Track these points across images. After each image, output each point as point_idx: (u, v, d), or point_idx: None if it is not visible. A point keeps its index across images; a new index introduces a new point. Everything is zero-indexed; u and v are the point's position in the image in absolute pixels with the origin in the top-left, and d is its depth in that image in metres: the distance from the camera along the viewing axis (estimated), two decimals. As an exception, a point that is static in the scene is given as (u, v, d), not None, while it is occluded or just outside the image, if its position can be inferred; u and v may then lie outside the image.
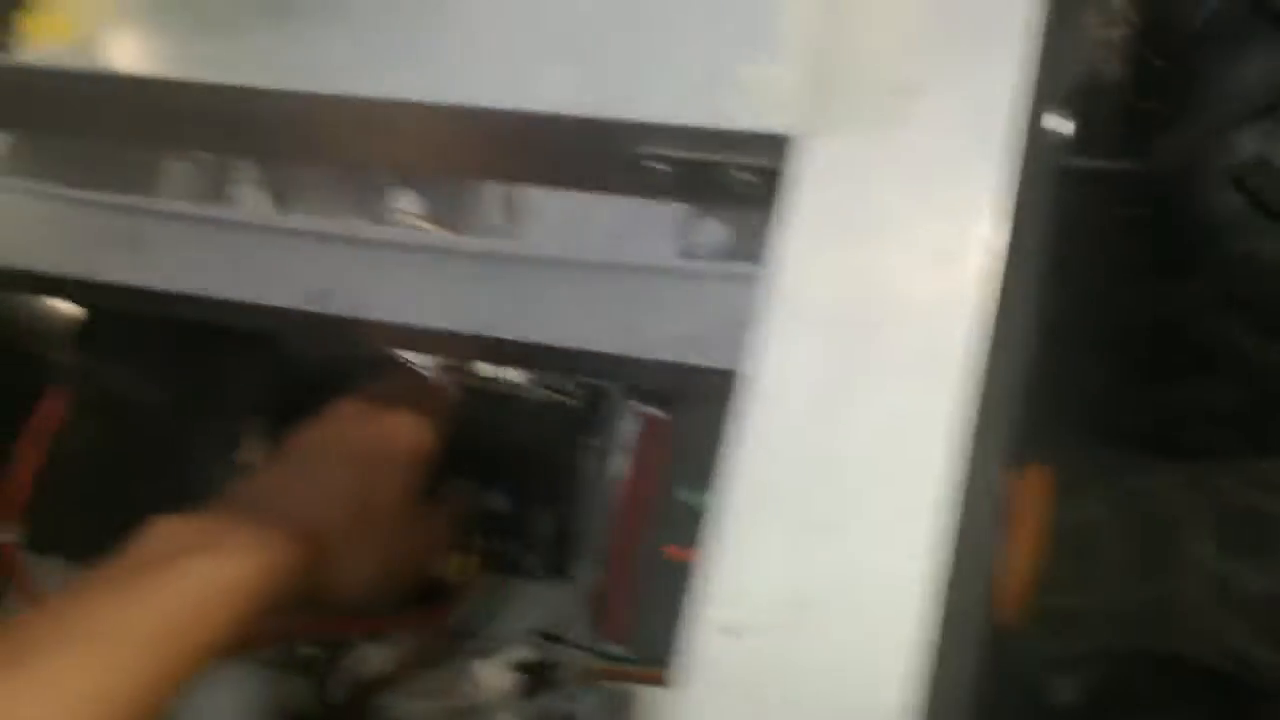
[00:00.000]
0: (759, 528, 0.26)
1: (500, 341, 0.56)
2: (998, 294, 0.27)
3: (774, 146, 0.29)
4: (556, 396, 0.72)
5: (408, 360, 0.66)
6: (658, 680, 0.55)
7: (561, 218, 0.59)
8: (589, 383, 0.73)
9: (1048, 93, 0.30)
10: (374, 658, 0.63)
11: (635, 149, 0.32)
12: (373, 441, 0.50)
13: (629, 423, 0.75)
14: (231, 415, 0.62)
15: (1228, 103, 0.57)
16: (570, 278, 0.57)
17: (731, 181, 0.31)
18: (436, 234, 0.70)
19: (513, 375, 0.76)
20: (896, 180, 0.28)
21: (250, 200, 0.59)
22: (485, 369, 0.75)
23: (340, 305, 0.52)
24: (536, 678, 0.56)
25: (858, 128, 0.29)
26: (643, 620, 0.28)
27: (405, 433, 0.52)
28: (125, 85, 0.34)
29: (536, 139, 0.32)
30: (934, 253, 0.28)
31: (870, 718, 0.25)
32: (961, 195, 0.28)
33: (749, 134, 0.30)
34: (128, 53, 0.34)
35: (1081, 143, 0.70)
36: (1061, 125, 0.30)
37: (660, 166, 0.32)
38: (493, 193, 0.68)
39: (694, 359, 0.53)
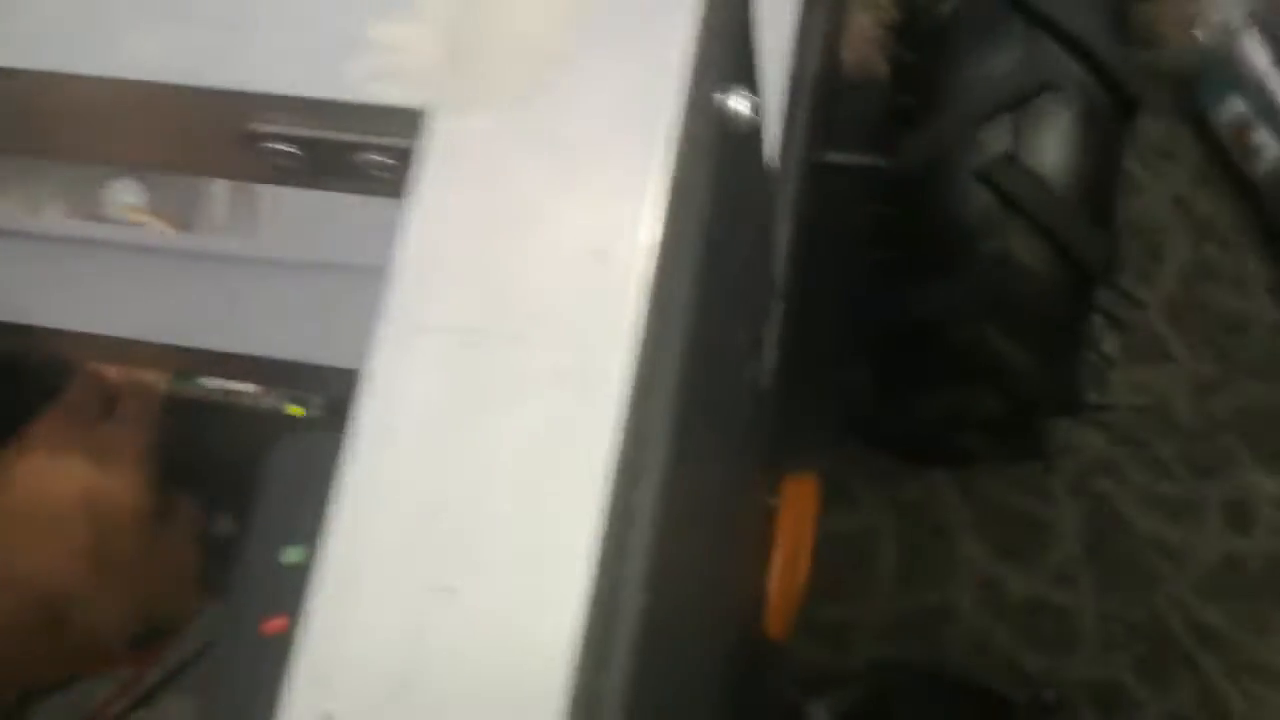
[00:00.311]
0: (360, 591, 0.21)
1: (226, 354, 0.50)
2: (663, 297, 0.23)
3: (407, 123, 0.25)
4: (291, 409, 0.66)
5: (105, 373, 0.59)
6: None
7: (304, 213, 0.53)
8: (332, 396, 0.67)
9: (727, 72, 0.26)
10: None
11: (248, 126, 0.26)
12: (82, 474, 0.44)
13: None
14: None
15: (975, 97, 0.55)
16: (304, 281, 0.51)
17: (364, 165, 0.26)
18: (143, 230, 0.63)
19: (246, 387, 0.69)
20: (541, 163, 0.24)
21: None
22: (213, 382, 0.68)
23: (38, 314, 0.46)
24: None
25: (498, 102, 0.24)
26: (225, 702, 0.22)
27: (116, 457, 0.45)
28: None
29: (129, 112, 0.27)
30: (583, 249, 0.23)
31: None
32: (616, 181, 0.24)
33: (379, 108, 0.25)
34: None
35: (834, 137, 0.68)
36: (746, 107, 0.26)
37: (282, 147, 0.27)
38: (222, 186, 0.61)
39: None
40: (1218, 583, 0.83)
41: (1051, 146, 0.55)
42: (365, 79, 0.25)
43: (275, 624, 0.22)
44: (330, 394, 0.66)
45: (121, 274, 0.48)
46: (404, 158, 0.26)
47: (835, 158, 0.66)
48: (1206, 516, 0.85)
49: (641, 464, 0.23)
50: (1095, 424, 0.85)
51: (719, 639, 0.48)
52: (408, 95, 0.25)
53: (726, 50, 0.26)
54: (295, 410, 0.66)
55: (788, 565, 0.76)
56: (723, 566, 0.45)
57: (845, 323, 0.70)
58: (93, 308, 0.49)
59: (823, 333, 0.76)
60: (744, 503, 0.53)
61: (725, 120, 0.26)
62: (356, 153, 0.26)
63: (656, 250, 0.23)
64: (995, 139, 0.55)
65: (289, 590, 0.22)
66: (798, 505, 0.77)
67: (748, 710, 0.63)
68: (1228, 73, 0.87)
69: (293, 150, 0.27)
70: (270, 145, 0.27)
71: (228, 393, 0.63)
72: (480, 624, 0.21)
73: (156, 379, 0.58)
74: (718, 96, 0.26)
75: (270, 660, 0.21)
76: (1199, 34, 0.88)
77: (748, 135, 0.28)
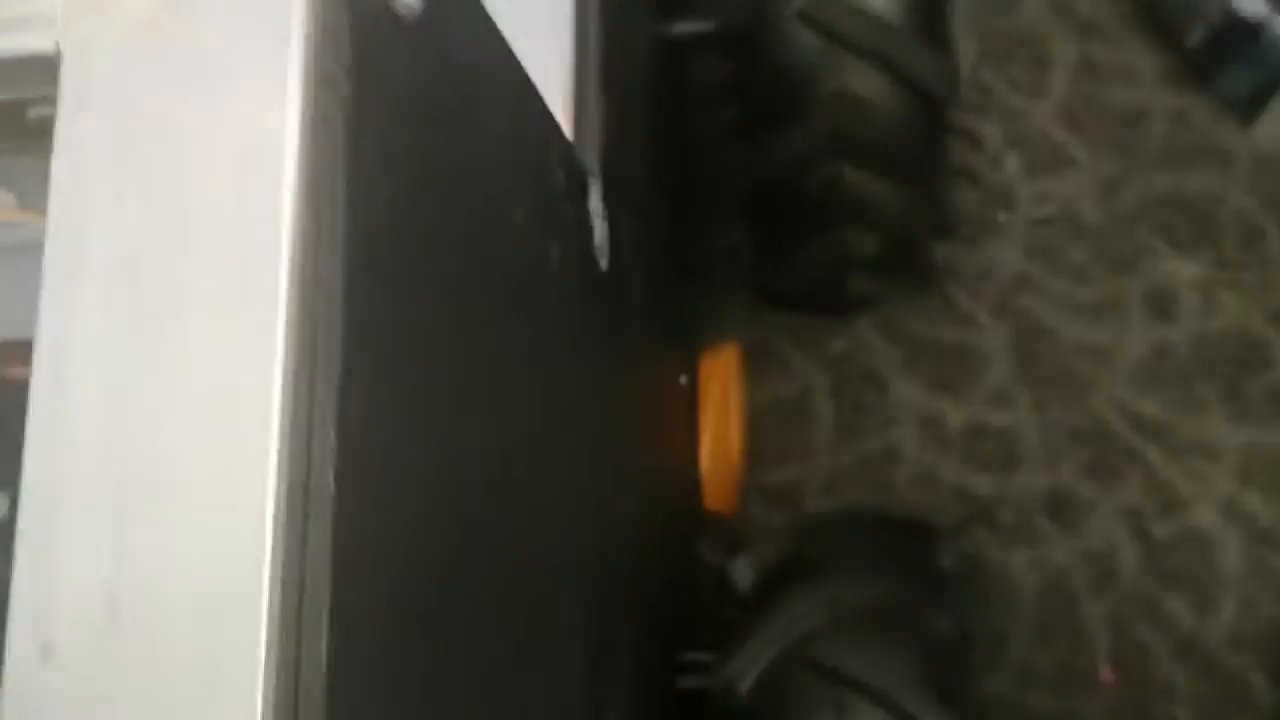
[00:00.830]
0: (62, 528, 0.22)
1: None
2: (307, 193, 0.23)
3: (45, 69, 0.25)
4: None
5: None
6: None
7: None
8: None
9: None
10: None
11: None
12: None
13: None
14: None
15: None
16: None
17: (33, 122, 0.27)
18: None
19: None
20: (178, 85, 0.24)
21: None
22: None
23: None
24: None
25: (128, 31, 0.24)
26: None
27: None
28: None
29: None
30: (229, 162, 0.24)
31: None
32: (254, 88, 0.24)
33: (12, 59, 0.25)
34: None
35: (671, 8, 0.67)
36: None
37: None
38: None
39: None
40: (1150, 374, 0.84)
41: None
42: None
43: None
44: None
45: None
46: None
47: (682, 28, 0.65)
48: (1129, 312, 0.86)
49: (319, 363, 0.23)
50: (1007, 241, 0.86)
51: (613, 535, 0.48)
52: (39, 42, 0.25)
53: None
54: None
55: (716, 438, 0.77)
56: (589, 460, 0.46)
57: (714, 190, 0.70)
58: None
59: (703, 201, 0.77)
60: (622, 389, 0.54)
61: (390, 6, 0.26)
62: (17, 109, 0.26)
63: (300, 153, 0.23)
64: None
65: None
66: (718, 378, 0.79)
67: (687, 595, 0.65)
68: None
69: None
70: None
71: None
72: (178, 535, 0.22)
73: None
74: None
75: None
76: None
77: (432, 20, 0.28)
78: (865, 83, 0.57)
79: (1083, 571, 0.81)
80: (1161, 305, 0.85)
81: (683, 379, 0.73)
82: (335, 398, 0.23)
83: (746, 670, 0.50)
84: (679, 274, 0.69)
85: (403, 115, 0.27)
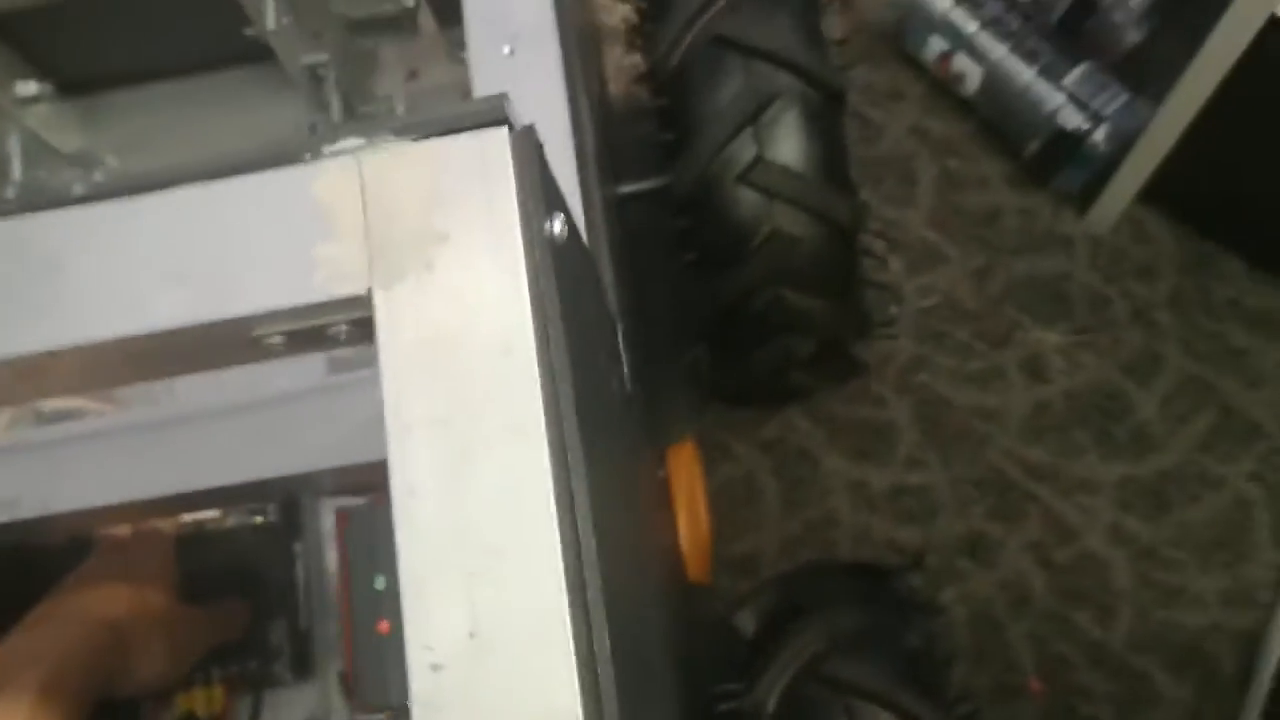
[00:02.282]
0: (435, 587, 0.35)
1: (191, 493, 0.62)
2: (548, 365, 0.37)
3: (356, 304, 0.38)
4: (255, 519, 0.79)
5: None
6: None
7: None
8: (281, 498, 0.80)
9: (543, 207, 0.40)
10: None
11: (251, 334, 0.39)
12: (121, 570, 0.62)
13: (327, 520, 0.83)
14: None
15: (720, 122, 0.70)
16: (222, 420, 0.63)
17: (333, 335, 0.40)
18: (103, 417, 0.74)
19: (209, 513, 0.82)
20: (450, 303, 0.38)
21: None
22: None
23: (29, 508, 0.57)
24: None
25: (411, 273, 0.38)
26: (372, 683, 0.36)
27: (141, 563, 0.62)
28: None
29: (164, 349, 0.40)
30: (495, 348, 0.37)
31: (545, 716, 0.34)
32: (496, 301, 0.38)
33: (335, 300, 0.38)
34: None
35: (627, 172, 0.82)
36: (560, 225, 0.40)
37: (274, 339, 0.40)
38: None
39: (370, 455, 0.61)
40: (1033, 427, 1.01)
41: (787, 143, 0.70)
42: (321, 283, 0.38)
43: (383, 626, 0.36)
44: (277, 500, 0.80)
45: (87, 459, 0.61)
46: (358, 323, 0.39)
47: (630, 188, 0.81)
48: (1010, 377, 1.03)
49: (571, 482, 0.36)
50: (894, 335, 1.02)
51: (656, 595, 0.62)
52: (350, 288, 0.38)
53: (538, 193, 0.40)
54: (258, 520, 0.80)
55: (690, 520, 0.91)
56: (641, 538, 0.59)
57: (681, 316, 0.85)
58: (86, 485, 0.61)
59: (665, 328, 0.92)
60: (642, 483, 0.67)
61: (553, 239, 0.40)
62: (326, 329, 0.40)
63: (535, 338, 0.37)
64: (744, 149, 0.70)
65: (387, 602, 0.35)
66: (684, 469, 0.93)
67: (694, 645, 0.78)
68: (921, 18, 1.05)
69: (280, 339, 0.40)
70: (266, 340, 0.40)
71: (203, 522, 0.77)
72: (505, 590, 0.35)
73: (161, 524, 0.71)
74: (544, 226, 0.40)
75: (385, 649, 0.35)
76: (890, -6, 1.05)
77: (569, 239, 0.42)
78: (794, 224, 0.72)
79: (1002, 600, 0.96)
80: (1035, 369, 1.03)
81: (660, 473, 0.87)
82: (590, 494, 0.37)
83: (771, 691, 0.63)
84: (649, 388, 0.84)
85: (569, 303, 0.41)
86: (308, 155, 0.40)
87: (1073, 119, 1.00)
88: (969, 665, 0.92)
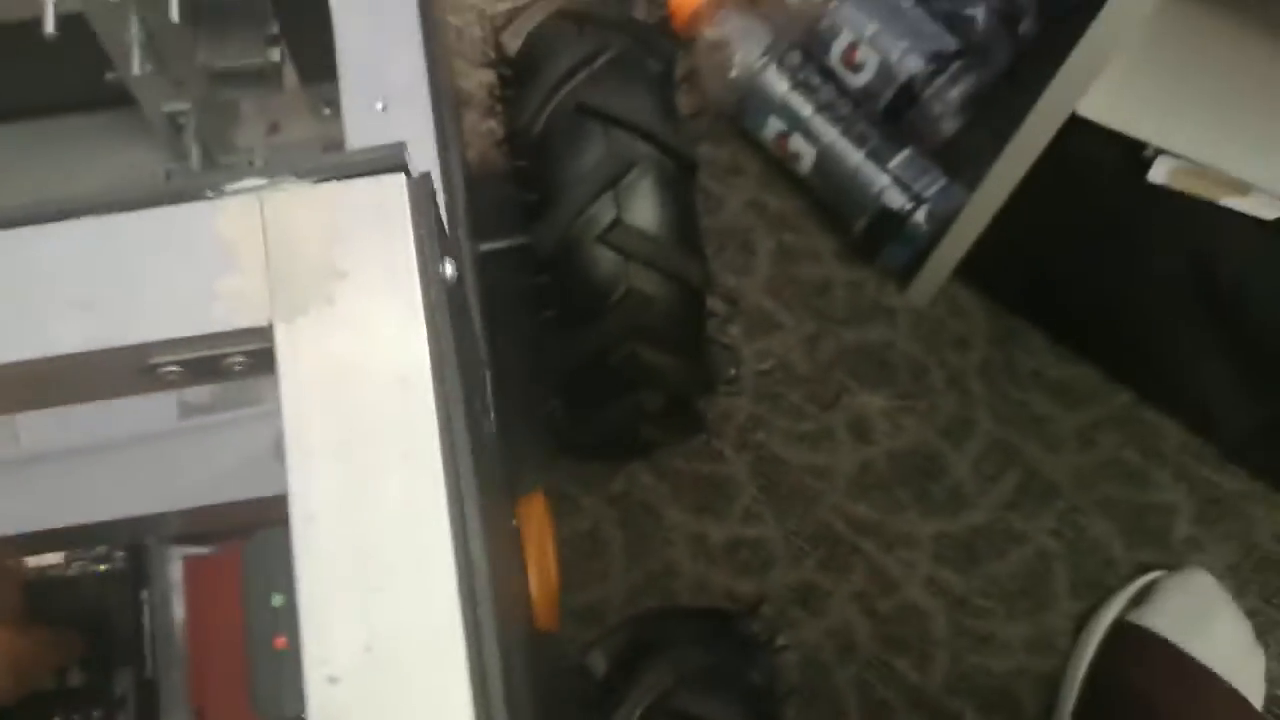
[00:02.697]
0: (333, 604, 0.37)
1: (37, 533, 0.62)
2: (443, 396, 0.40)
3: (255, 335, 0.40)
4: (101, 566, 0.79)
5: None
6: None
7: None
8: (128, 544, 0.80)
9: (438, 251, 0.43)
10: None
11: (148, 361, 0.41)
12: None
13: (175, 569, 0.83)
14: None
15: (581, 185, 0.74)
16: (69, 461, 0.63)
17: (228, 366, 0.42)
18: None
19: (47, 559, 0.81)
20: (350, 337, 0.40)
21: None
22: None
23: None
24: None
25: (310, 307, 0.40)
26: (267, 697, 0.37)
27: None
28: None
29: (61, 374, 0.41)
30: (393, 379, 0.40)
31: None
32: (395, 336, 0.40)
33: (234, 331, 0.40)
34: None
35: (491, 230, 0.85)
36: (451, 269, 0.43)
37: (171, 369, 0.41)
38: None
39: (219, 497, 0.62)
40: (859, 484, 1.07)
41: (643, 207, 0.74)
42: (222, 315, 0.40)
43: (280, 641, 0.37)
44: (123, 545, 0.79)
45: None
46: (254, 354, 0.41)
47: (489, 246, 0.84)
48: (838, 438, 1.09)
49: (464, 507, 0.39)
50: (738, 393, 1.08)
51: (517, 634, 0.64)
52: (251, 319, 0.40)
53: (433, 237, 0.43)
54: (104, 567, 0.80)
55: (540, 570, 0.93)
56: (504, 578, 0.61)
57: (535, 369, 0.88)
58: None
59: (519, 381, 0.95)
60: (502, 527, 0.70)
61: (445, 280, 0.43)
62: (224, 359, 0.41)
63: (431, 372, 0.40)
64: (604, 211, 0.74)
65: (283, 620, 0.37)
66: (534, 520, 0.95)
67: (546, 687, 0.80)
68: (761, 100, 1.12)
69: (177, 369, 0.41)
70: (162, 370, 0.41)
71: (46, 568, 0.75)
72: (401, 607, 0.37)
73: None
74: (439, 267, 0.42)
75: (282, 664, 0.36)
76: (735, 76, 1.12)
77: (458, 283, 0.45)
78: (648, 283, 0.76)
79: (829, 646, 1.01)
80: (861, 431, 1.09)
81: (512, 523, 0.89)
82: (478, 521, 0.39)
83: (623, 728, 0.66)
84: (507, 436, 0.86)
85: (460, 342, 0.43)
86: (209, 192, 0.42)
87: (896, 199, 1.07)
88: (798, 707, 0.97)
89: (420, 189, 0.42)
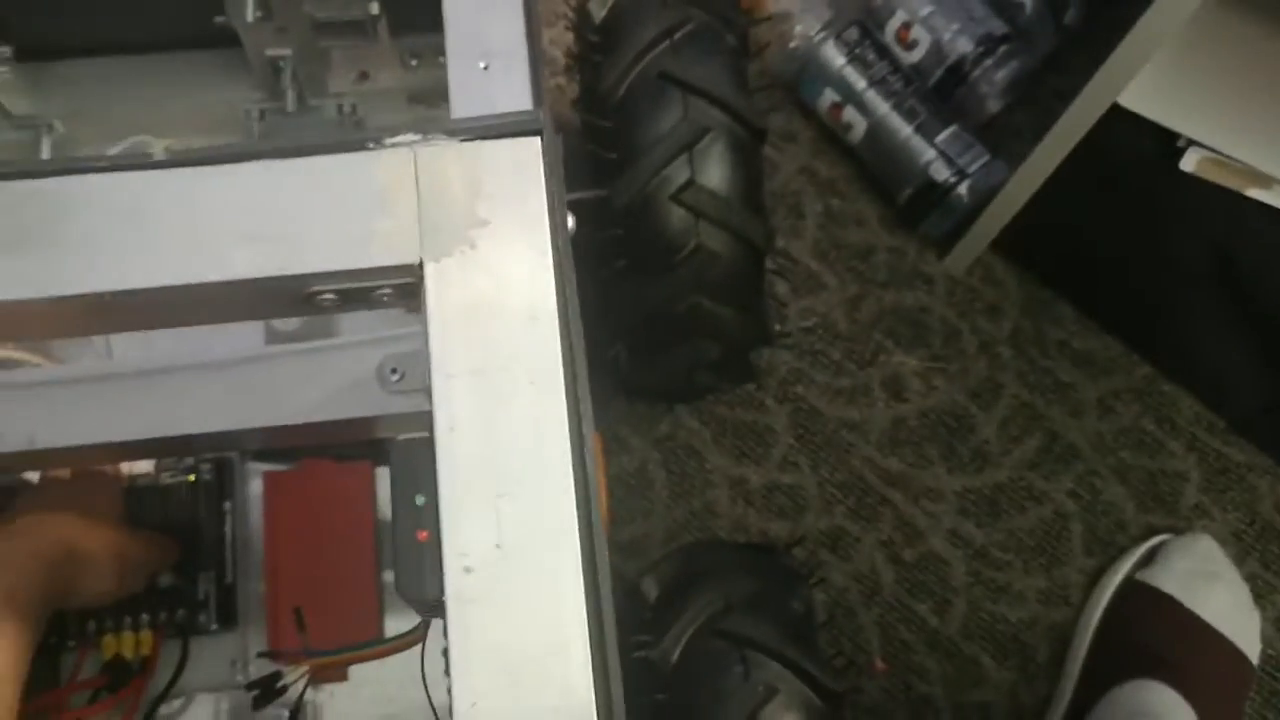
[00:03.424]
0: (469, 506, 0.43)
1: (147, 441, 0.69)
2: (566, 330, 0.46)
3: (405, 271, 0.46)
4: (189, 476, 0.86)
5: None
6: (361, 659, 0.71)
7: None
8: (212, 458, 0.87)
9: (562, 203, 0.49)
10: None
11: (307, 290, 0.47)
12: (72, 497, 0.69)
13: (255, 484, 0.90)
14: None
15: (660, 147, 0.80)
16: (178, 379, 0.70)
17: (378, 296, 0.48)
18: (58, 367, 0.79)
19: (138, 468, 0.88)
20: (488, 277, 0.46)
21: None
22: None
23: (9, 444, 0.62)
24: (266, 690, 0.69)
25: (455, 250, 0.46)
26: (410, 581, 0.44)
27: (90, 489, 0.71)
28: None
29: (230, 296, 0.47)
30: (524, 314, 0.46)
31: (555, 618, 0.43)
32: (526, 277, 0.46)
33: (390, 267, 0.46)
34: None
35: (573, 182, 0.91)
36: (572, 221, 0.49)
37: (327, 296, 0.48)
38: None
39: (299, 419, 0.68)
40: (891, 439, 1.13)
41: (715, 170, 0.80)
42: (378, 252, 0.46)
43: (422, 535, 0.44)
44: (210, 458, 0.86)
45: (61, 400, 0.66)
46: (399, 288, 0.47)
47: (568, 198, 0.90)
48: (874, 395, 1.15)
49: (581, 427, 0.45)
50: (783, 346, 1.14)
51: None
52: (403, 257, 0.46)
53: (561, 192, 0.49)
54: (192, 478, 0.87)
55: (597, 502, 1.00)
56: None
57: (601, 315, 0.95)
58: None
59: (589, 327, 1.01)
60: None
61: (569, 230, 0.49)
62: (374, 290, 0.48)
63: (556, 309, 0.46)
64: (678, 172, 0.80)
65: (427, 516, 0.43)
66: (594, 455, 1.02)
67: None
68: (818, 71, 1.17)
69: (332, 297, 0.48)
70: (319, 297, 0.47)
71: (139, 476, 0.83)
72: (528, 506, 0.43)
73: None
74: (566, 217, 0.49)
75: (424, 554, 0.43)
76: (795, 45, 1.17)
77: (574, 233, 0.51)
78: (715, 240, 0.82)
79: (855, 589, 1.08)
80: (895, 388, 1.15)
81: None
82: (593, 440, 0.46)
83: (676, 643, 0.73)
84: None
85: (577, 283, 0.50)
86: (370, 144, 0.48)
87: (941, 172, 1.13)
88: (823, 643, 1.04)
89: (552, 150, 0.48)
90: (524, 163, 0.48)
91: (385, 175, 0.48)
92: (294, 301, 0.48)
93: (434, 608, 0.44)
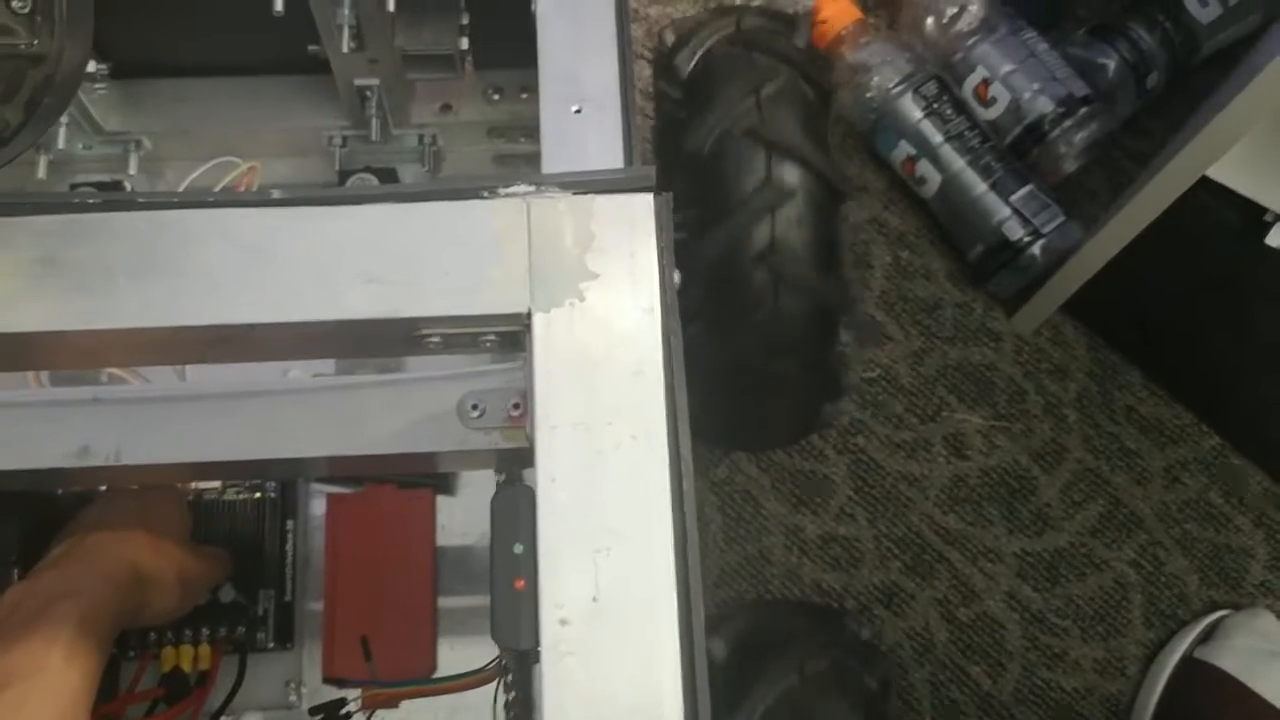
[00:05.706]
0: (567, 557, 0.44)
1: (225, 463, 0.69)
2: (670, 386, 0.46)
3: (512, 320, 0.47)
4: (255, 494, 0.87)
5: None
6: (429, 694, 0.71)
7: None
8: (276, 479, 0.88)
9: (672, 262, 0.49)
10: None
11: (416, 332, 0.48)
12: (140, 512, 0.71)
13: (317, 504, 0.91)
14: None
15: (746, 208, 0.80)
16: (249, 404, 0.70)
17: (483, 341, 0.48)
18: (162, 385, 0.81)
19: (204, 484, 0.89)
20: (595, 329, 0.47)
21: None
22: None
23: (97, 458, 0.63)
24: (330, 717, 0.70)
25: (565, 301, 0.47)
26: (507, 630, 0.44)
27: (156, 506, 0.72)
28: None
29: (343, 334, 0.48)
30: (629, 370, 0.46)
31: (649, 677, 0.43)
32: (633, 332, 0.47)
33: (499, 315, 0.47)
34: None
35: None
36: (679, 278, 0.49)
37: (434, 339, 0.48)
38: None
39: (364, 450, 0.68)
40: (951, 496, 1.13)
41: (796, 232, 0.80)
42: (489, 300, 0.47)
43: (520, 582, 0.44)
44: (276, 479, 0.87)
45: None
46: (503, 335, 0.48)
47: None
48: (934, 450, 1.14)
49: (683, 484, 0.45)
50: (845, 396, 1.14)
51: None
52: (513, 305, 0.47)
53: (670, 249, 0.49)
54: (258, 495, 0.88)
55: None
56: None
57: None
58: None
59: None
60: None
61: (675, 287, 0.49)
62: (480, 336, 0.48)
63: (662, 366, 0.46)
64: (761, 233, 0.80)
65: (524, 565, 0.43)
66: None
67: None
68: (894, 123, 1.17)
69: (439, 339, 0.48)
70: (426, 339, 0.48)
71: (205, 491, 0.84)
72: (625, 562, 0.43)
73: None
74: (674, 273, 0.49)
75: (521, 602, 0.43)
76: (871, 98, 1.18)
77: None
78: (792, 303, 0.82)
79: (908, 646, 1.07)
80: (956, 446, 1.15)
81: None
82: (694, 504, 0.46)
83: (751, 717, 0.72)
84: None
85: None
86: (485, 193, 0.48)
87: (1016, 231, 1.12)
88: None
89: (664, 208, 0.49)
90: (636, 219, 0.48)
91: (498, 224, 0.48)
92: (401, 342, 0.49)
93: (524, 655, 0.44)
